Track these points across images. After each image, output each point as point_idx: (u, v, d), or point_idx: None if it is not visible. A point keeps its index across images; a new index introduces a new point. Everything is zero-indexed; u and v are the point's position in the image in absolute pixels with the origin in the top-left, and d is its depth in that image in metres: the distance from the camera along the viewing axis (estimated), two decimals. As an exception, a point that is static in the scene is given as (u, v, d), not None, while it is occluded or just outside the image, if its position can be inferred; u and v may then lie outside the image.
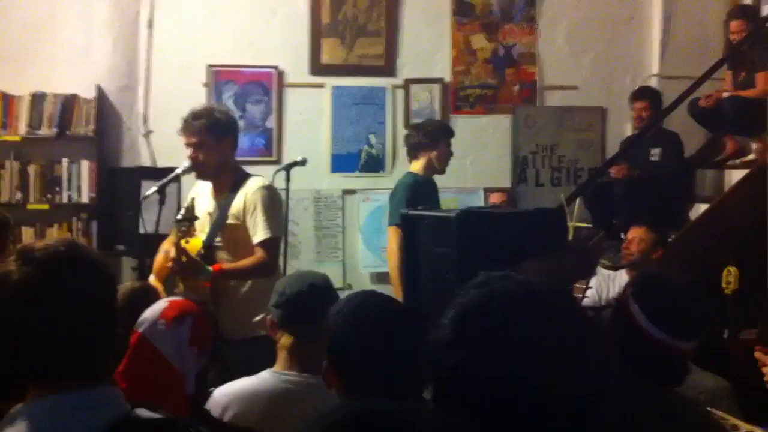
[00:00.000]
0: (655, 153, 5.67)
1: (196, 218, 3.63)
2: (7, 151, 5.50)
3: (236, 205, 3.75)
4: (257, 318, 3.65)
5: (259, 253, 3.70)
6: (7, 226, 3.25)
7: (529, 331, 1.14)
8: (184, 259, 3.54)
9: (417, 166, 4.96)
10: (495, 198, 6.00)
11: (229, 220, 3.76)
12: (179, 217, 3.59)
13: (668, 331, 2.04)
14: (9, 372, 1.57)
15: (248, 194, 3.74)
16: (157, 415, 1.55)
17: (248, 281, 3.75)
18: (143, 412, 1.54)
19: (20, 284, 1.51)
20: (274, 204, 3.78)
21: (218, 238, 3.78)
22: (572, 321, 1.19)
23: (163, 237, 3.88)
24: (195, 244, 3.74)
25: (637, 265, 4.52)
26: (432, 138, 4.92)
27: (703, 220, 4.83)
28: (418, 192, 4.75)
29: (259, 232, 3.69)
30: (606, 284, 4.65)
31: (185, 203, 3.72)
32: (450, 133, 5.04)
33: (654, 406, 1.97)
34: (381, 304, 2.02)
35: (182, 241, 3.56)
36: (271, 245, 3.72)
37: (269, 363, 2.59)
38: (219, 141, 3.76)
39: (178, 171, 3.84)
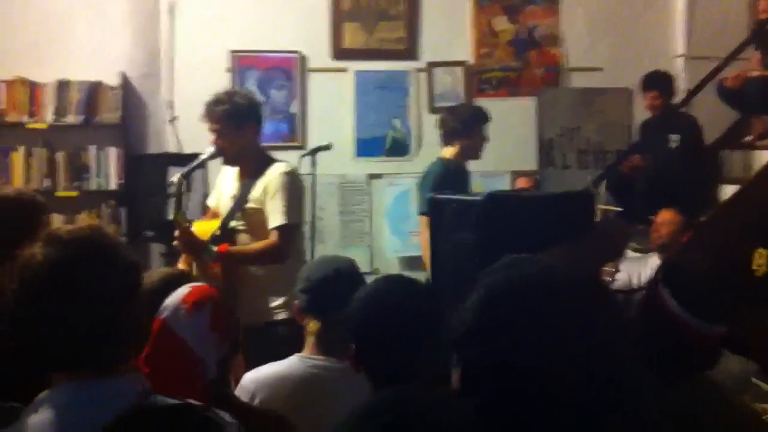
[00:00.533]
0: (675, 139, 5.61)
1: (181, 194, 3.62)
2: (35, 138, 5.55)
3: (258, 189, 3.75)
4: (273, 303, 3.70)
5: (272, 238, 3.68)
6: (34, 207, 3.05)
7: (551, 319, 1.14)
8: (189, 237, 3.60)
9: (451, 151, 4.91)
10: (521, 183, 5.97)
11: (250, 204, 3.76)
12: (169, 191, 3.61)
13: (699, 316, 2.04)
14: (32, 359, 1.59)
15: (270, 179, 3.73)
16: (174, 401, 1.56)
17: (265, 267, 3.75)
18: (160, 399, 1.55)
19: (43, 264, 1.52)
20: (294, 190, 3.76)
21: (241, 222, 3.81)
22: (596, 309, 1.19)
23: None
24: (213, 225, 3.78)
25: (666, 248, 4.49)
26: (467, 126, 4.88)
27: (731, 202, 4.77)
28: (447, 180, 4.71)
29: (275, 218, 3.68)
30: (637, 268, 4.61)
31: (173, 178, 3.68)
32: (485, 119, 4.99)
33: (677, 394, 1.96)
34: (401, 288, 2.04)
35: (195, 222, 3.60)
36: (285, 231, 3.69)
37: (286, 347, 2.62)
38: (239, 126, 3.76)
39: (203, 157, 3.86)
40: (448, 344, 1.25)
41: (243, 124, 3.77)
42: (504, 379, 1.13)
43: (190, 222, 3.77)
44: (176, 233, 3.65)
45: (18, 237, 2.84)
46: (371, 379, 1.96)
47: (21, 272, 1.54)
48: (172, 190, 3.60)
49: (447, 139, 4.95)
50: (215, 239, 3.71)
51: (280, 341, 3.46)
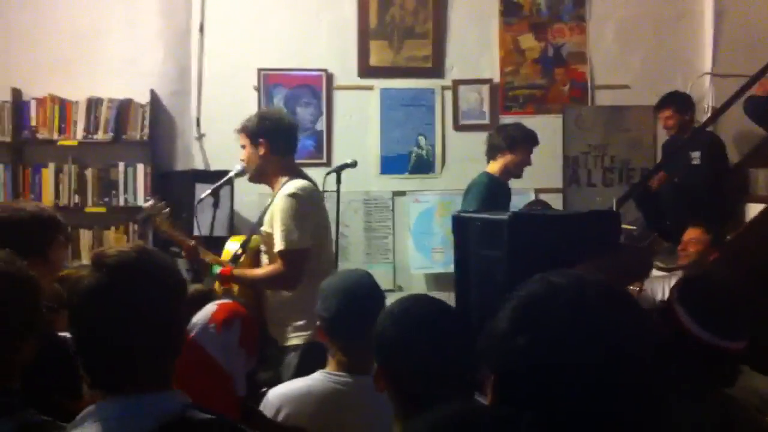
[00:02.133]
0: (695, 156, 5.58)
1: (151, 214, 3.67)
2: (65, 155, 5.63)
3: (269, 212, 3.67)
4: (291, 326, 3.62)
5: (276, 264, 3.58)
6: (49, 225, 3.01)
7: (587, 321, 1.14)
8: (193, 256, 3.63)
9: (494, 167, 4.97)
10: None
11: (264, 228, 3.68)
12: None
13: (715, 332, 2.03)
14: (78, 373, 1.62)
15: (275, 203, 3.63)
16: (209, 416, 1.58)
17: (277, 293, 3.68)
18: (196, 413, 1.58)
19: (91, 290, 1.56)
20: (296, 213, 3.56)
21: (262, 244, 3.77)
22: (629, 312, 1.19)
23: (218, 239, 3.94)
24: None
25: (693, 267, 4.45)
26: (511, 143, 4.93)
27: (759, 219, 4.75)
28: (493, 192, 4.77)
29: (277, 243, 3.56)
30: (661, 286, 4.58)
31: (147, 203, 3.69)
32: (533, 142, 5.03)
33: (705, 407, 1.96)
34: (427, 308, 2.02)
35: (232, 238, 3.61)
36: (288, 257, 3.53)
37: (304, 370, 2.64)
38: (254, 143, 3.73)
39: (230, 174, 3.89)
40: (481, 353, 1.24)
41: (257, 141, 3.71)
42: (542, 383, 1.12)
43: (198, 241, 3.75)
44: (183, 252, 3.66)
45: (28, 253, 2.83)
46: (396, 400, 1.95)
47: (69, 296, 1.58)
48: (144, 218, 3.61)
49: (490, 154, 5.00)
50: (235, 258, 3.72)
51: (291, 366, 3.46)
